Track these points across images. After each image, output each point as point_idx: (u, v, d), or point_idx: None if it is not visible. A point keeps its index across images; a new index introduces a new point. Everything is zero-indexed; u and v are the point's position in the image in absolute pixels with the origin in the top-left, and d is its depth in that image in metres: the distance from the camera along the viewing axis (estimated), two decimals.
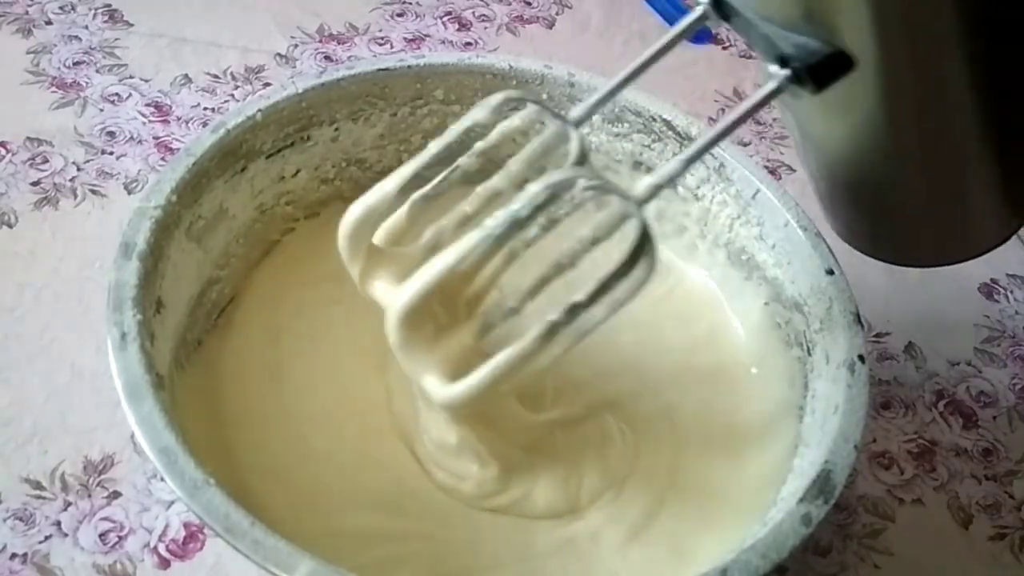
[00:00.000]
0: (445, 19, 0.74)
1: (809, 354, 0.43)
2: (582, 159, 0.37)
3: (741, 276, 0.49)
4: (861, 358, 0.40)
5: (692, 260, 0.51)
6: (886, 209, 0.39)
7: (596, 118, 0.50)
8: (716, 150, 0.46)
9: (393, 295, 0.35)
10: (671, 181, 0.34)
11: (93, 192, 0.56)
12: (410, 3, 0.75)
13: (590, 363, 0.46)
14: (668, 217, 0.51)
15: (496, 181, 0.36)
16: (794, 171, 0.62)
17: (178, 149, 0.59)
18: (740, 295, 0.49)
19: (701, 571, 0.33)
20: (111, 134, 0.59)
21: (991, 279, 0.61)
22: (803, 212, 0.45)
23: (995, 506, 0.49)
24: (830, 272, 0.43)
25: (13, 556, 0.41)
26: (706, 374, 0.48)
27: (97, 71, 0.64)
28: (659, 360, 0.48)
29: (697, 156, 0.34)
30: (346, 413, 0.43)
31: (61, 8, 0.68)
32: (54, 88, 0.62)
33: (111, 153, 0.58)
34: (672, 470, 0.43)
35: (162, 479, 0.44)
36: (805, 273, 0.44)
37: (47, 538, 0.42)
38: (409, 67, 0.48)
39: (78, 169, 0.57)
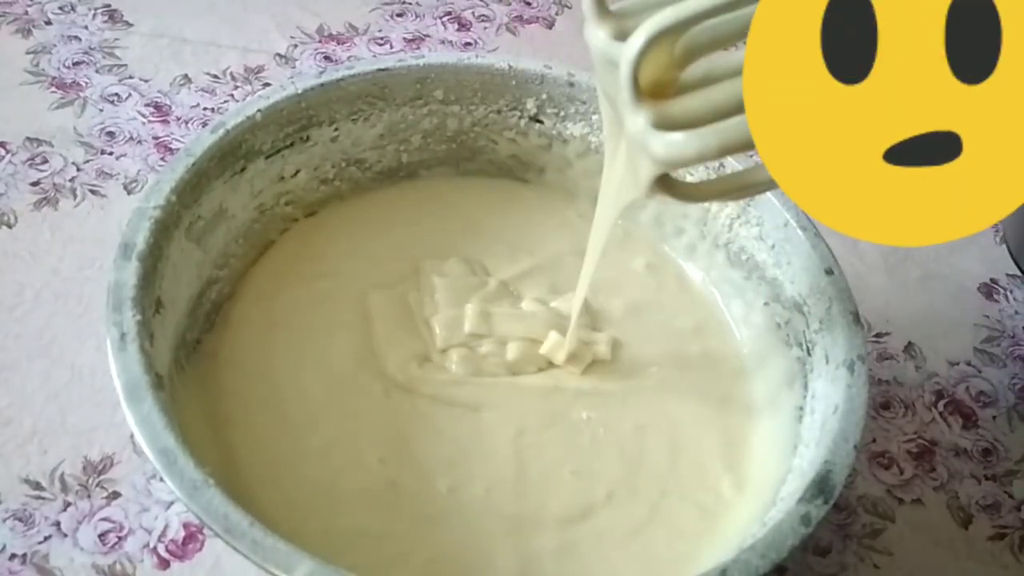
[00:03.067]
0: (445, 19, 0.74)
1: (809, 354, 0.44)
2: None
3: (740, 276, 0.49)
4: (861, 358, 0.40)
5: (691, 260, 0.51)
6: None
7: (595, 116, 0.50)
8: None
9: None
10: None
11: (93, 192, 0.56)
12: (410, 3, 0.75)
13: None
14: (667, 219, 0.51)
15: None
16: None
17: (178, 149, 0.59)
18: (739, 295, 0.49)
19: (700, 572, 0.33)
20: (111, 134, 0.59)
21: (991, 279, 0.61)
22: (802, 213, 0.45)
23: (995, 506, 0.49)
24: (829, 272, 0.43)
25: (12, 556, 0.41)
26: (704, 374, 0.48)
27: (97, 71, 0.64)
28: (656, 358, 0.48)
29: None
30: (343, 412, 0.43)
31: (61, 8, 0.68)
32: (54, 88, 0.62)
33: (111, 153, 0.58)
34: (670, 469, 0.43)
35: (161, 479, 0.44)
36: (805, 273, 0.44)
37: (46, 538, 0.42)
38: (409, 67, 0.48)
39: (78, 169, 0.57)
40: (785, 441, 0.43)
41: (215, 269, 0.44)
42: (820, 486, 0.35)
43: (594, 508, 0.42)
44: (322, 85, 0.46)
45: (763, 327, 0.47)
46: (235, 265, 0.46)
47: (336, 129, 0.48)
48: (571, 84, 0.49)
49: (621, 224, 0.52)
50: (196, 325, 0.43)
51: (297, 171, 0.47)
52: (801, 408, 0.43)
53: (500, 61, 0.49)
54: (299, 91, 0.45)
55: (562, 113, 0.51)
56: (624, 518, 0.41)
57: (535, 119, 0.51)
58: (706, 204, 0.49)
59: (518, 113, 0.51)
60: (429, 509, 0.40)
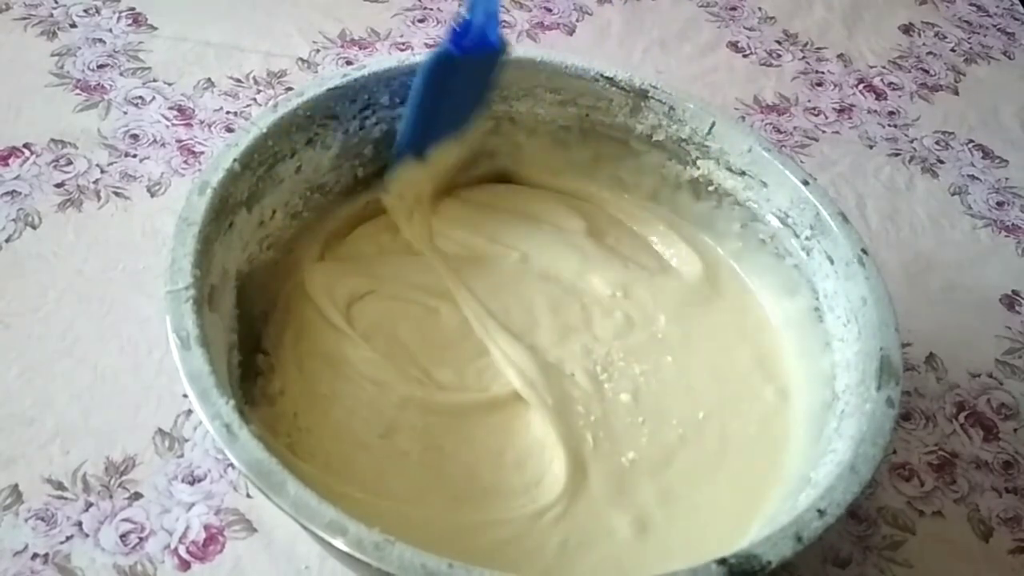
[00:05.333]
0: None
1: (808, 258, 0.46)
2: None
3: (711, 206, 0.51)
4: (865, 251, 0.43)
5: (655, 205, 0.53)
6: None
7: (538, 89, 0.51)
8: (661, 94, 0.49)
9: None
10: None
11: (116, 194, 0.56)
12: (431, 9, 0.75)
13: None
14: (623, 174, 0.53)
15: None
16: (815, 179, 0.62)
17: (201, 153, 0.59)
18: (712, 224, 0.52)
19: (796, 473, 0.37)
20: (134, 137, 0.60)
21: (1012, 291, 0.60)
22: (764, 136, 0.48)
23: (1016, 519, 0.49)
24: (806, 183, 0.46)
25: (35, 556, 0.41)
26: (712, 302, 0.50)
27: (121, 74, 0.64)
28: (664, 303, 0.49)
29: None
30: (431, 436, 0.42)
31: (86, 11, 0.69)
32: (78, 90, 0.62)
33: (134, 156, 0.59)
34: (719, 397, 0.46)
35: (185, 481, 0.44)
36: (781, 189, 0.47)
37: (68, 538, 0.42)
38: (355, 80, 0.47)
39: (101, 171, 0.57)
40: (812, 342, 0.45)
41: (231, 333, 0.42)
42: (887, 371, 0.38)
43: (674, 451, 0.43)
44: (280, 118, 0.45)
45: (747, 247, 0.50)
46: (242, 326, 0.44)
47: (298, 159, 0.47)
48: (510, 61, 0.49)
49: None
50: (236, 397, 0.40)
51: (274, 212, 0.46)
52: (817, 309, 0.45)
53: None
54: (263, 129, 0.44)
55: (505, 92, 0.51)
56: (702, 454, 0.43)
57: None
58: (663, 149, 0.51)
59: None
60: (543, 502, 0.41)
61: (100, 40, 0.67)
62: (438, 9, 0.75)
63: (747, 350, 0.48)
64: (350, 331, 0.45)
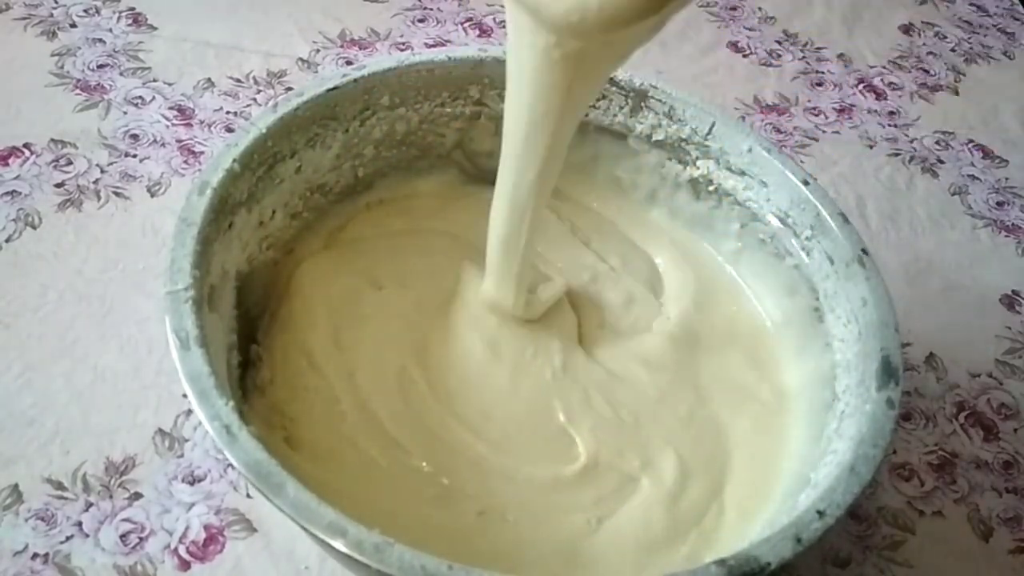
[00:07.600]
0: (466, 25, 0.74)
1: (808, 258, 0.46)
2: None
3: (710, 206, 0.51)
4: (865, 251, 0.43)
5: (653, 206, 0.53)
6: None
7: None
8: (661, 94, 0.49)
9: None
10: None
11: (116, 194, 0.56)
12: (431, 9, 0.75)
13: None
14: (621, 174, 0.53)
15: None
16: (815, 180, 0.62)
17: (201, 153, 0.59)
18: (711, 225, 0.51)
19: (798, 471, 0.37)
20: (134, 137, 0.60)
21: (1012, 290, 0.60)
22: (764, 136, 0.48)
23: (1016, 519, 0.49)
24: (806, 183, 0.46)
25: (35, 556, 0.41)
26: (706, 305, 0.49)
27: (121, 74, 0.64)
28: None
29: None
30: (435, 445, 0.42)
31: (85, 11, 0.69)
32: (78, 90, 0.62)
33: (134, 156, 0.59)
34: (717, 396, 0.46)
35: (185, 481, 0.44)
36: (781, 189, 0.47)
37: (68, 538, 0.42)
38: (355, 80, 0.47)
39: (101, 171, 0.57)
40: (812, 342, 0.45)
41: (231, 333, 0.42)
42: (888, 372, 0.38)
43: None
44: (280, 118, 0.44)
45: (746, 247, 0.50)
46: (242, 325, 0.44)
47: (298, 160, 0.46)
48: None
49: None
50: (236, 397, 0.39)
51: (273, 212, 0.46)
52: (817, 309, 0.45)
53: (438, 55, 0.49)
54: (263, 129, 0.43)
55: (503, 92, 0.50)
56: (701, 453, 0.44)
57: (479, 103, 0.51)
58: (662, 149, 0.51)
59: (462, 102, 0.51)
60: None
61: (100, 40, 0.67)
62: (438, 9, 0.75)
63: (740, 353, 0.48)
64: (327, 332, 0.44)
